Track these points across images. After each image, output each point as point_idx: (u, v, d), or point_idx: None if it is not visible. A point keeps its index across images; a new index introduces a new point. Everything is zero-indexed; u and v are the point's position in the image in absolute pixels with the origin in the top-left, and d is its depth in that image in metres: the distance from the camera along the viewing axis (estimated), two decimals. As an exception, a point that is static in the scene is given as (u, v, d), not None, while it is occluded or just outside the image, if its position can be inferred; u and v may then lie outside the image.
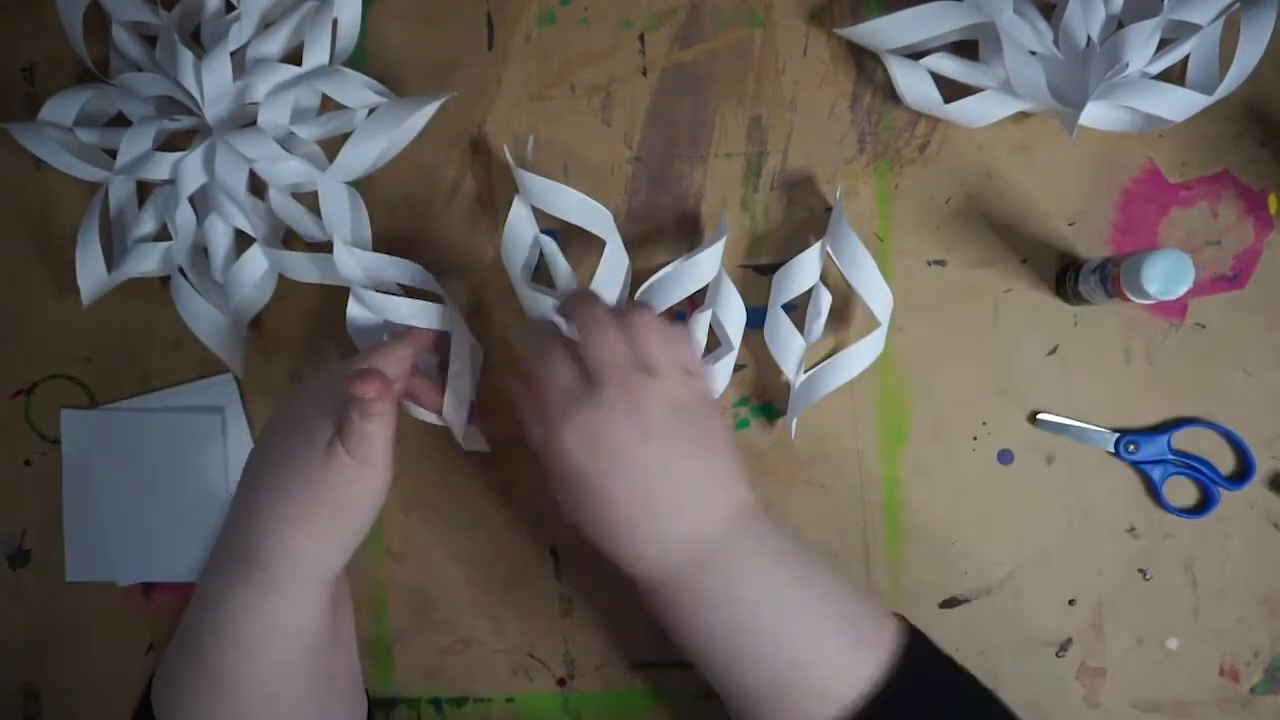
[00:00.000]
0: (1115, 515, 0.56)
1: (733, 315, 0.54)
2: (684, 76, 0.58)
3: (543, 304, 0.53)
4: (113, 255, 0.57)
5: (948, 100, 0.55)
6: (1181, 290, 0.47)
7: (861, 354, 0.54)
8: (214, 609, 0.45)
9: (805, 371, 0.55)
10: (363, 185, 0.58)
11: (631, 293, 0.54)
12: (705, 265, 0.53)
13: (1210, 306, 0.56)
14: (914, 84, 0.55)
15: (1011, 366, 0.56)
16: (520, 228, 0.54)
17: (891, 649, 0.45)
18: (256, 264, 0.56)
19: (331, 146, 0.57)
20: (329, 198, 0.56)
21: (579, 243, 0.56)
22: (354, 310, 0.54)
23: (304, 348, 0.58)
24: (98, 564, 0.59)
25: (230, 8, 0.57)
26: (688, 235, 0.58)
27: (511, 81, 0.58)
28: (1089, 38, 0.53)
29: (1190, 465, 0.55)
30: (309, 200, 0.57)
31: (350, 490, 0.45)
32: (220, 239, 0.56)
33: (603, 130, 0.58)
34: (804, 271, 0.54)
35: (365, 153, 0.55)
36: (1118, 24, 0.54)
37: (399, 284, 0.55)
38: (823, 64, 0.57)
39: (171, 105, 0.58)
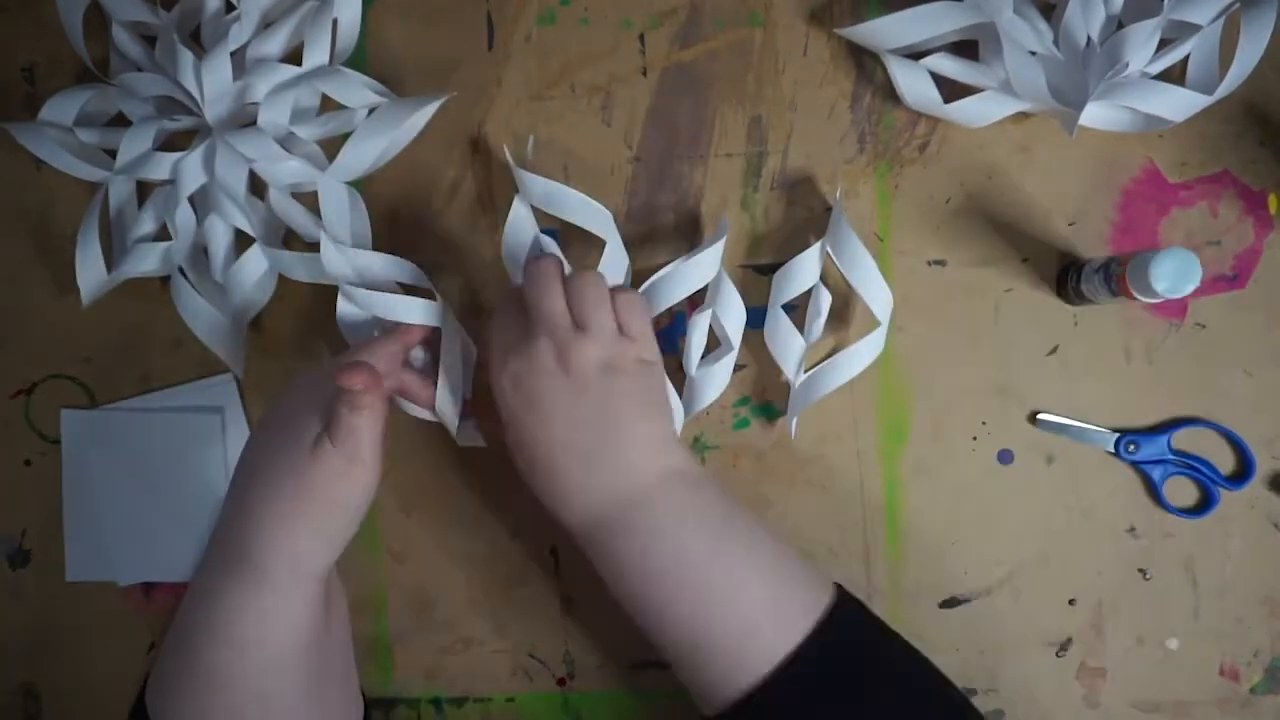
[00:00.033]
0: (1115, 515, 0.56)
1: (733, 315, 0.54)
2: (684, 76, 0.58)
3: None
4: (112, 255, 0.57)
5: (948, 100, 0.55)
6: (1189, 289, 0.46)
7: (861, 354, 0.54)
8: (207, 607, 0.45)
9: (805, 371, 0.55)
10: (362, 185, 0.58)
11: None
12: (705, 265, 0.53)
13: (1210, 306, 0.56)
14: (914, 84, 0.55)
15: (1011, 366, 0.56)
16: (520, 227, 0.54)
17: (821, 611, 0.45)
18: (257, 264, 0.56)
19: (331, 146, 0.57)
20: (329, 198, 0.56)
21: (579, 243, 0.56)
22: (344, 307, 0.54)
23: (303, 347, 0.58)
24: (98, 564, 0.59)
25: (230, 8, 0.57)
26: (688, 235, 0.58)
27: (511, 81, 0.58)
28: (1089, 38, 0.53)
29: (1190, 465, 0.55)
30: (309, 200, 0.57)
31: (339, 486, 0.45)
32: (220, 239, 0.56)
33: (603, 130, 0.58)
34: (804, 271, 0.54)
35: (365, 153, 0.55)
36: (1118, 24, 0.54)
37: (395, 283, 0.55)
38: (823, 64, 0.57)
39: (171, 105, 0.58)
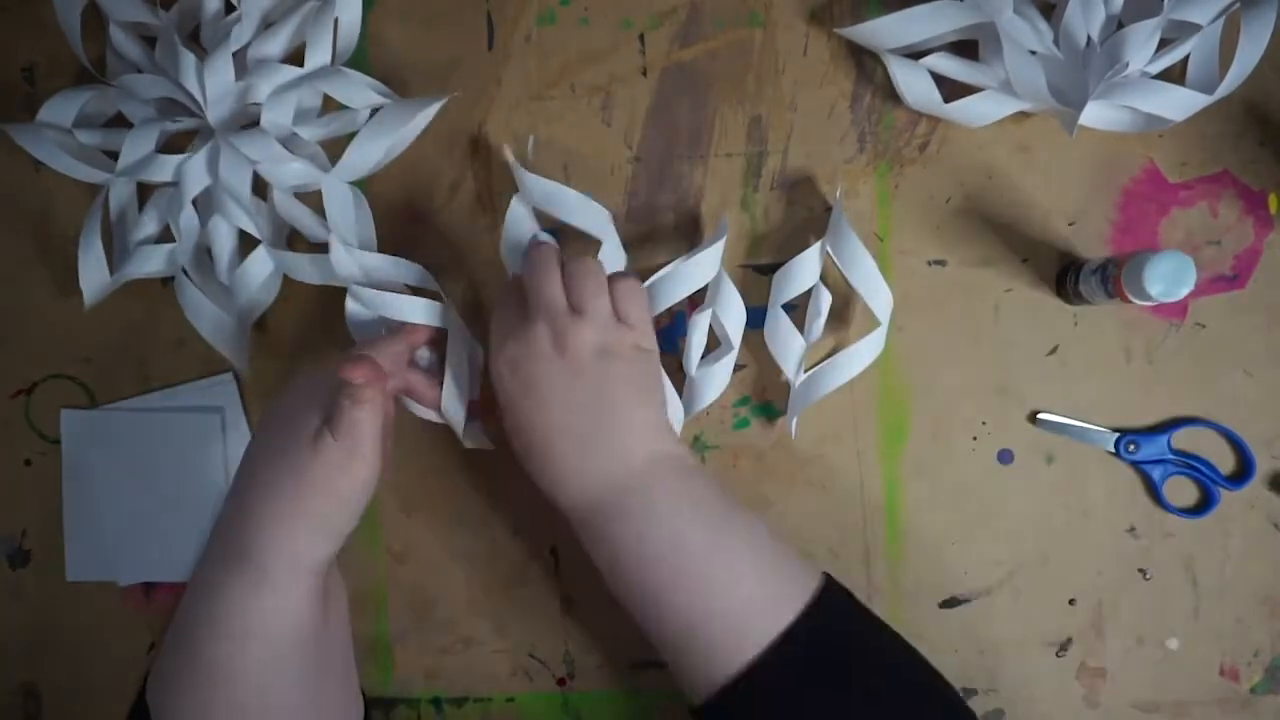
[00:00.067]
0: (1115, 515, 0.56)
1: (733, 315, 0.54)
2: (684, 76, 0.58)
3: None
4: (114, 256, 0.57)
5: (948, 100, 0.55)
6: (1183, 292, 0.46)
7: (861, 354, 0.54)
8: (207, 601, 0.46)
9: (805, 371, 0.55)
10: (364, 185, 0.58)
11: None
12: (705, 265, 0.53)
13: (1210, 306, 0.56)
14: (914, 84, 0.55)
15: (1011, 366, 0.56)
16: (519, 227, 0.54)
17: (809, 597, 0.46)
18: (262, 265, 0.56)
19: (332, 147, 0.57)
20: (333, 198, 0.56)
21: (577, 242, 0.56)
22: (352, 307, 0.54)
23: (307, 348, 0.58)
24: (98, 564, 0.59)
25: (229, 8, 0.57)
26: (688, 235, 0.58)
27: (511, 81, 0.58)
28: (1089, 38, 0.53)
29: (1190, 465, 0.55)
30: (312, 201, 0.57)
31: (338, 479, 0.45)
32: (225, 240, 0.56)
33: (603, 130, 0.58)
34: (804, 271, 0.54)
35: (370, 153, 0.55)
36: (1118, 24, 0.54)
37: (403, 282, 0.56)
38: (823, 64, 0.57)
39: (172, 106, 0.58)
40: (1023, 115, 0.56)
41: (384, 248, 0.57)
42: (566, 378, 0.46)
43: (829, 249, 0.54)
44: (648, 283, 0.53)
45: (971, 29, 0.54)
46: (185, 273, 0.56)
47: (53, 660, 0.59)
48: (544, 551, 0.58)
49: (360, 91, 0.56)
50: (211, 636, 0.45)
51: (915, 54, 0.55)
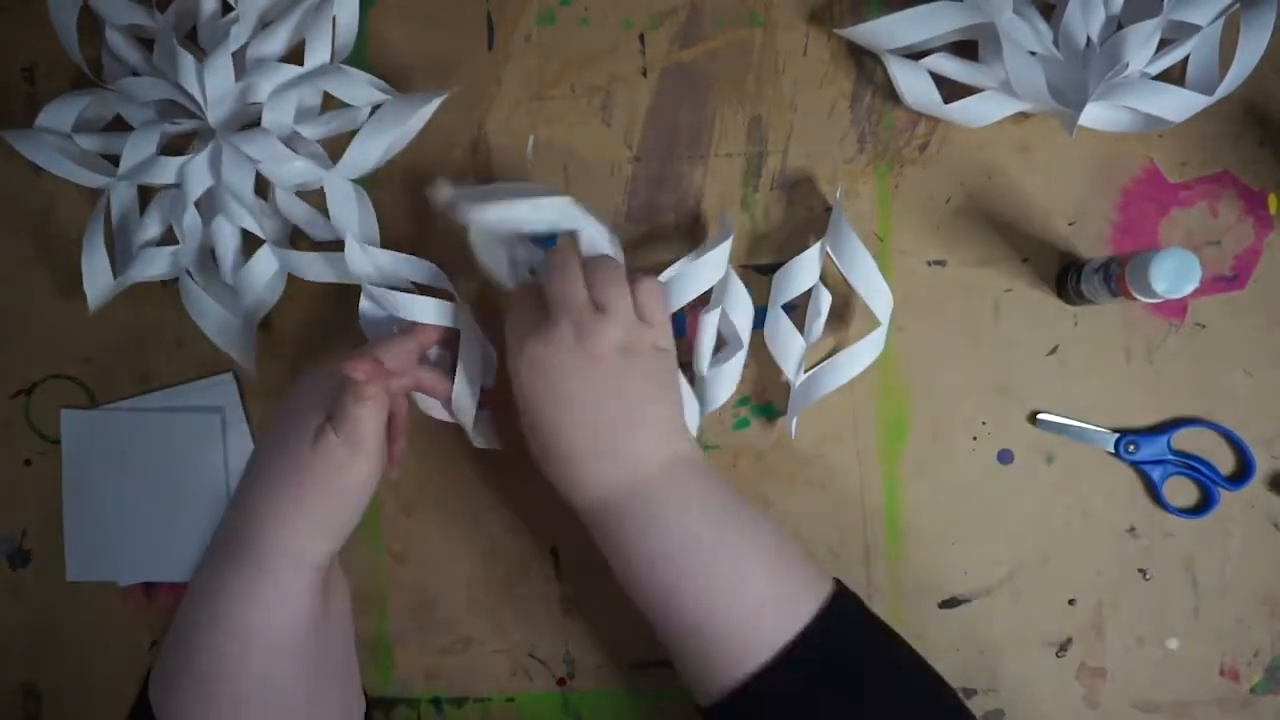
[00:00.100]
0: (1115, 515, 0.56)
1: (742, 313, 0.53)
2: (684, 76, 0.58)
3: None
4: (117, 260, 0.57)
5: (948, 100, 0.55)
6: (1188, 289, 0.47)
7: (861, 354, 0.54)
8: (209, 599, 0.46)
9: (805, 371, 0.55)
10: (365, 185, 0.58)
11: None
12: (714, 264, 0.52)
13: (1210, 306, 0.56)
14: (914, 84, 0.55)
15: (1011, 366, 0.56)
16: (492, 253, 0.52)
17: (820, 602, 0.46)
18: (267, 264, 0.56)
19: (332, 145, 0.57)
20: (336, 196, 0.56)
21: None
22: (366, 305, 0.54)
23: (311, 347, 0.58)
24: (98, 564, 0.59)
25: (226, 8, 0.57)
26: (688, 235, 0.58)
27: (511, 81, 0.58)
28: (1089, 38, 0.53)
29: (1190, 465, 0.55)
30: (314, 199, 0.57)
31: (339, 477, 0.46)
32: (228, 241, 0.56)
33: (603, 130, 0.58)
34: (804, 271, 0.54)
35: (371, 150, 0.55)
36: (1118, 24, 0.54)
37: (411, 282, 0.55)
38: (823, 64, 0.57)
39: (171, 108, 0.58)
40: (1023, 115, 0.56)
41: (387, 248, 0.56)
42: (589, 376, 0.46)
43: (829, 249, 0.54)
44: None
45: (971, 29, 0.54)
46: (189, 274, 0.56)
47: (53, 660, 0.59)
48: (544, 551, 0.58)
49: (361, 89, 0.56)
50: (213, 633, 0.45)
51: (915, 54, 0.55)
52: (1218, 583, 0.55)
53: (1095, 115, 0.54)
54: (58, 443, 0.59)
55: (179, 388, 0.59)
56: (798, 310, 0.55)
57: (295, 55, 0.57)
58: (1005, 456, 0.56)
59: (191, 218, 0.56)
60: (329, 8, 0.56)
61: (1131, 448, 0.55)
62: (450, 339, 0.54)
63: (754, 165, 0.57)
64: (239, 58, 0.56)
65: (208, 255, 0.57)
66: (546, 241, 0.52)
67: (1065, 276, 0.55)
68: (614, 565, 0.48)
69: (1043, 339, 0.56)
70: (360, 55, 0.58)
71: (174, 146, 0.58)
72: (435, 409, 0.54)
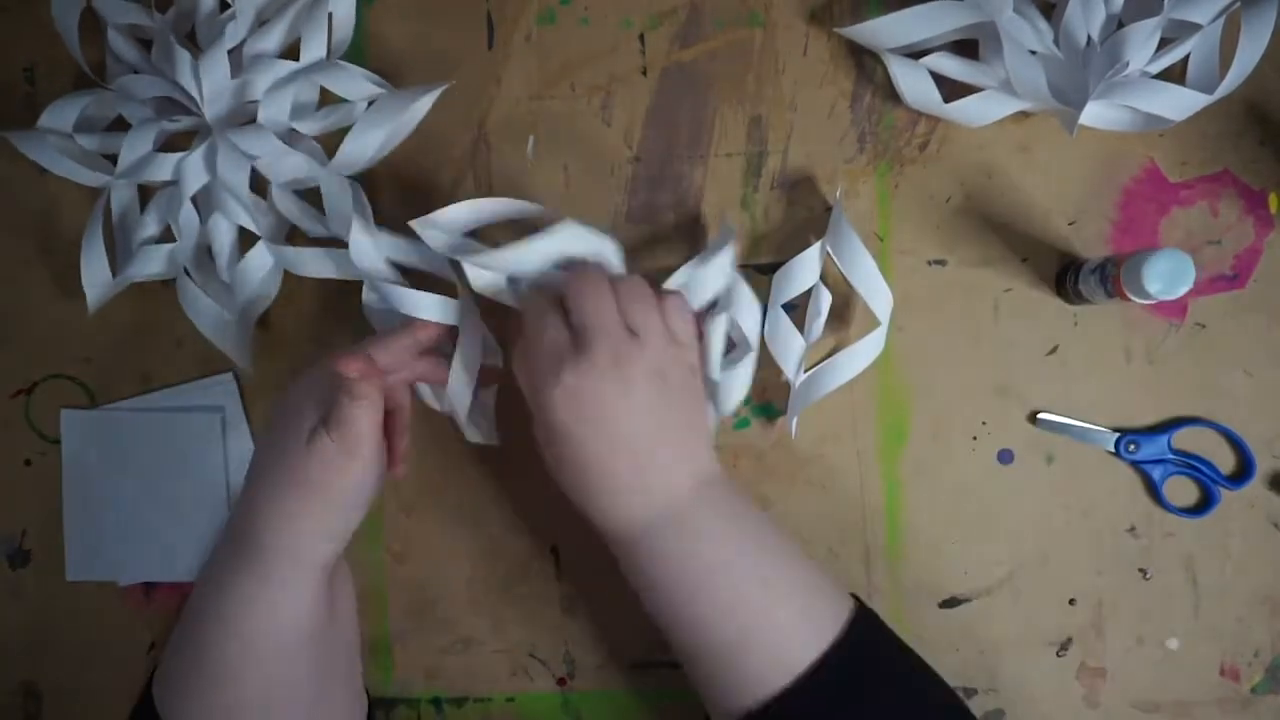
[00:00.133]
0: (1115, 515, 0.56)
1: (749, 315, 0.53)
2: (684, 76, 0.58)
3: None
4: (116, 258, 0.57)
5: (948, 100, 0.55)
6: (1182, 290, 0.46)
7: (862, 354, 0.54)
8: (215, 599, 0.46)
9: (805, 371, 0.55)
10: (363, 185, 0.58)
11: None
12: (719, 269, 0.52)
13: (1210, 306, 0.56)
14: (914, 84, 0.55)
15: (1011, 366, 0.56)
16: (488, 280, 0.50)
17: (842, 623, 0.46)
18: (262, 261, 0.56)
19: (330, 141, 0.57)
20: (332, 193, 0.56)
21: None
22: (369, 296, 0.54)
23: (309, 346, 0.58)
24: (98, 564, 0.59)
25: (224, 7, 0.57)
26: (688, 235, 0.58)
27: (511, 81, 0.58)
28: (1089, 37, 0.53)
29: (1190, 465, 0.55)
30: (311, 196, 0.57)
31: (334, 478, 0.45)
32: (225, 238, 0.56)
33: (603, 130, 0.58)
34: (804, 271, 0.54)
35: (366, 145, 0.55)
36: (1118, 23, 0.54)
37: (416, 267, 0.54)
38: (823, 64, 0.57)
39: (170, 106, 0.58)
40: (1023, 115, 0.56)
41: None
42: (627, 402, 0.45)
43: (829, 249, 0.54)
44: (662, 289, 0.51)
45: (971, 29, 0.54)
46: (186, 272, 0.56)
47: (53, 660, 0.59)
48: (544, 551, 0.58)
49: (357, 84, 0.56)
50: (218, 632, 0.46)
51: (915, 54, 0.55)
52: (1218, 583, 0.55)
53: (1095, 114, 0.54)
54: (58, 443, 0.59)
55: (179, 388, 0.59)
56: (798, 310, 0.55)
57: (293, 53, 0.57)
58: (1005, 456, 0.56)
59: (188, 215, 0.56)
60: (325, 3, 0.56)
61: (1132, 447, 0.55)
62: (450, 335, 0.53)
63: (754, 165, 0.57)
64: (236, 55, 0.56)
65: (205, 253, 0.57)
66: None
67: (1065, 276, 0.55)
68: (643, 585, 0.47)
69: (1043, 339, 0.56)
70: (360, 55, 0.58)
71: (175, 145, 0.58)
72: (434, 399, 0.54)
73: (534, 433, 0.48)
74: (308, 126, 0.57)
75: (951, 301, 0.56)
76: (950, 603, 0.56)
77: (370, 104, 0.56)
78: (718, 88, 0.57)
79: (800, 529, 0.56)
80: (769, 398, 0.57)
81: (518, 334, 0.49)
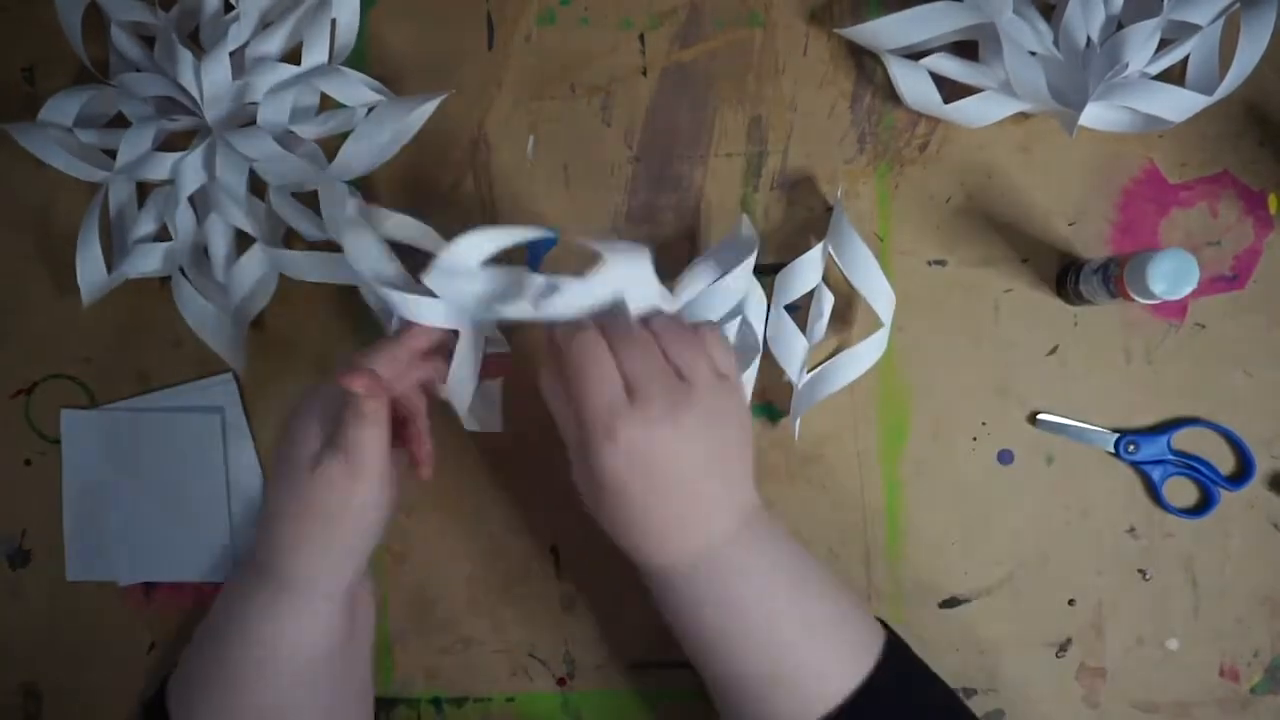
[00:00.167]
0: (1115, 515, 0.56)
1: (759, 318, 0.53)
2: (684, 76, 0.58)
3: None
4: (113, 255, 0.57)
5: (948, 100, 0.55)
6: (1186, 290, 0.47)
7: (864, 354, 0.54)
8: (240, 610, 0.47)
9: (808, 372, 0.55)
10: (362, 186, 0.58)
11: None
12: (740, 281, 0.52)
13: (1210, 306, 0.56)
14: (914, 84, 0.55)
15: (1011, 366, 0.56)
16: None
17: (875, 654, 0.46)
18: (258, 263, 0.56)
19: (330, 145, 0.57)
20: (329, 197, 0.56)
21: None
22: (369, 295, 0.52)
23: (304, 348, 0.58)
24: (98, 564, 0.59)
25: (229, 7, 0.57)
26: (688, 235, 0.58)
27: (511, 81, 0.58)
28: (1089, 38, 0.53)
29: (1190, 465, 0.55)
30: (309, 199, 0.57)
31: (343, 503, 0.45)
32: (221, 239, 0.56)
33: (603, 130, 0.58)
34: (806, 272, 0.54)
35: (365, 151, 0.55)
36: (1118, 24, 0.54)
37: (416, 247, 0.52)
38: (823, 64, 0.57)
39: (171, 105, 0.58)
40: (1023, 115, 0.56)
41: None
42: (681, 446, 0.43)
43: (830, 249, 0.54)
44: (682, 304, 0.51)
45: (971, 29, 0.54)
46: (182, 271, 0.56)
47: (53, 660, 0.59)
48: (544, 551, 0.58)
49: (357, 90, 0.56)
50: (240, 643, 0.46)
51: (915, 54, 0.55)
52: (1218, 583, 0.55)
53: (1095, 115, 0.54)
54: (58, 443, 0.59)
55: (179, 388, 0.59)
56: (800, 311, 0.55)
57: (296, 56, 0.57)
58: (1005, 457, 0.56)
59: (185, 214, 0.56)
60: (328, 8, 0.56)
61: (1131, 448, 0.55)
62: (449, 339, 0.52)
63: (754, 165, 0.57)
64: (239, 57, 0.56)
65: (201, 253, 0.57)
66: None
67: (1065, 277, 0.55)
68: (674, 620, 0.47)
69: (1043, 339, 0.56)
70: (360, 55, 0.58)
71: (174, 144, 0.58)
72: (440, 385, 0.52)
73: (573, 478, 0.46)
74: (307, 130, 0.57)
75: (951, 302, 0.56)
76: (950, 603, 0.56)
77: (370, 110, 0.56)
78: (718, 88, 0.57)
79: (800, 529, 0.56)
80: (770, 398, 0.57)
81: (552, 359, 0.47)
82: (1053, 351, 0.56)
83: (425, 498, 0.58)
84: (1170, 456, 0.55)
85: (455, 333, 0.51)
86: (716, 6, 0.57)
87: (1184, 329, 0.56)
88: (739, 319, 0.53)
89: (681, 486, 0.44)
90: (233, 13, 0.56)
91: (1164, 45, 0.53)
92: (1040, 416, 0.56)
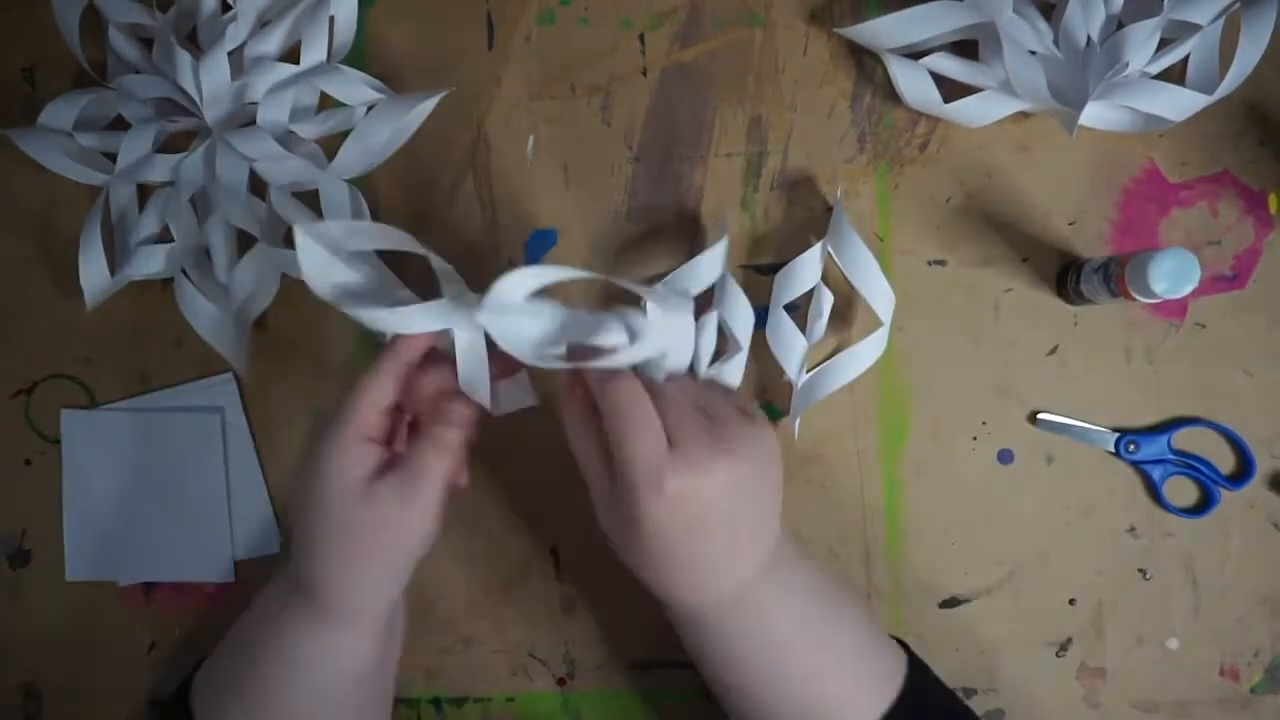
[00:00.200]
0: (1115, 515, 0.56)
1: (740, 316, 0.53)
2: (684, 76, 0.58)
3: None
4: (114, 257, 0.57)
5: (948, 100, 0.55)
6: (1188, 289, 0.47)
7: (864, 354, 0.54)
8: (274, 619, 0.47)
9: (807, 372, 0.55)
10: (362, 186, 0.58)
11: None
12: (709, 266, 0.52)
13: (1210, 306, 0.56)
14: (914, 84, 0.55)
15: (1011, 366, 0.56)
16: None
17: (899, 680, 0.46)
18: (259, 263, 0.56)
19: (330, 145, 0.57)
20: (330, 196, 0.56)
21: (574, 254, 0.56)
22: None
23: (307, 347, 0.58)
24: (98, 564, 0.59)
25: (226, 8, 0.57)
26: (688, 235, 0.58)
27: (511, 81, 0.58)
28: (1089, 38, 0.53)
29: (1190, 465, 0.55)
30: (309, 199, 0.57)
31: (399, 530, 0.44)
32: (222, 239, 0.56)
33: (603, 130, 0.58)
34: (805, 272, 0.54)
35: (365, 150, 0.55)
36: (1118, 24, 0.54)
37: (385, 250, 0.49)
38: (823, 64, 0.57)
39: (170, 107, 0.58)
40: (1023, 115, 0.56)
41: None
42: (718, 490, 0.43)
43: (830, 249, 0.54)
44: (654, 288, 0.51)
45: (971, 29, 0.54)
46: (184, 272, 0.56)
47: (53, 660, 0.59)
48: (544, 551, 0.58)
49: (356, 88, 0.56)
50: (272, 652, 0.47)
51: (915, 54, 0.55)
52: (1218, 583, 0.55)
53: (1095, 115, 0.54)
54: (58, 443, 0.59)
55: (179, 388, 0.59)
56: (799, 310, 0.55)
57: (294, 55, 0.57)
58: (1005, 456, 0.56)
59: (186, 215, 0.56)
60: (326, 7, 0.56)
61: (1131, 447, 0.55)
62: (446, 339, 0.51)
63: (754, 165, 0.57)
64: (237, 57, 0.56)
65: (202, 253, 0.57)
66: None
67: (1065, 276, 0.55)
68: (699, 656, 0.47)
69: (1043, 339, 0.56)
70: (360, 55, 0.58)
71: (174, 145, 0.58)
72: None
73: (599, 521, 0.46)
74: (307, 129, 0.57)
75: (951, 301, 0.56)
76: (950, 603, 0.56)
77: (370, 108, 0.56)
78: (718, 88, 0.57)
79: (800, 529, 0.56)
80: (770, 398, 0.57)
81: (578, 402, 0.46)
82: (1053, 351, 0.56)
83: (425, 498, 0.58)
84: (1170, 456, 0.55)
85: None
86: (716, 6, 0.57)
87: (1184, 329, 0.56)
88: (715, 313, 0.52)
89: (720, 531, 0.44)
90: (230, 12, 0.56)
91: (1164, 45, 0.53)
92: (1040, 416, 0.56)
